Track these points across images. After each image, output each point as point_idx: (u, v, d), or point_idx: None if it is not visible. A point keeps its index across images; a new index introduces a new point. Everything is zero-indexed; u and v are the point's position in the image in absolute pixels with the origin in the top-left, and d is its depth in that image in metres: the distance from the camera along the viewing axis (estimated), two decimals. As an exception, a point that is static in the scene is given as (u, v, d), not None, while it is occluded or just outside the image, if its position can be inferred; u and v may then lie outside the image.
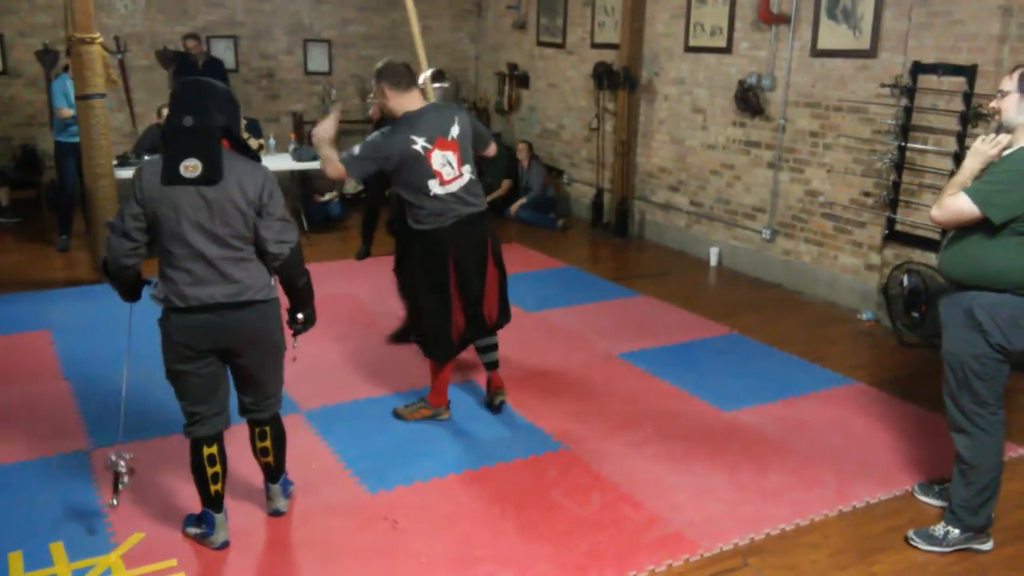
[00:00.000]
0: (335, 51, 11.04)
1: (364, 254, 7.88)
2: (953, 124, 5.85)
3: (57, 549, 3.45)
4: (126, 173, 7.66)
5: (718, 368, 5.50)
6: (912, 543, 3.63)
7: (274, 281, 3.38)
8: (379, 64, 4.27)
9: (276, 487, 3.74)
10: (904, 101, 6.14)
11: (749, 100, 7.46)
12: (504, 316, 4.65)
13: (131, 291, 3.45)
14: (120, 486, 3.39)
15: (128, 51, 9.65)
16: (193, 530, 3.59)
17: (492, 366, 4.79)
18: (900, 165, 6.23)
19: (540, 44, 10.48)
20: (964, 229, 3.40)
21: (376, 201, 7.85)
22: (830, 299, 6.95)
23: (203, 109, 3.14)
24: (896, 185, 6.28)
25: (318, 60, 10.99)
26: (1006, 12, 5.53)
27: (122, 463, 3.39)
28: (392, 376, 5.26)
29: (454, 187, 4.23)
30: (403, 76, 4.19)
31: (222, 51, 10.28)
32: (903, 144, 6.16)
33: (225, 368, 3.42)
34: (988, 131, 3.48)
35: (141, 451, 4.20)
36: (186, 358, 3.29)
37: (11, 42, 9.42)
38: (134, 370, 5.14)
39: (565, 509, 3.86)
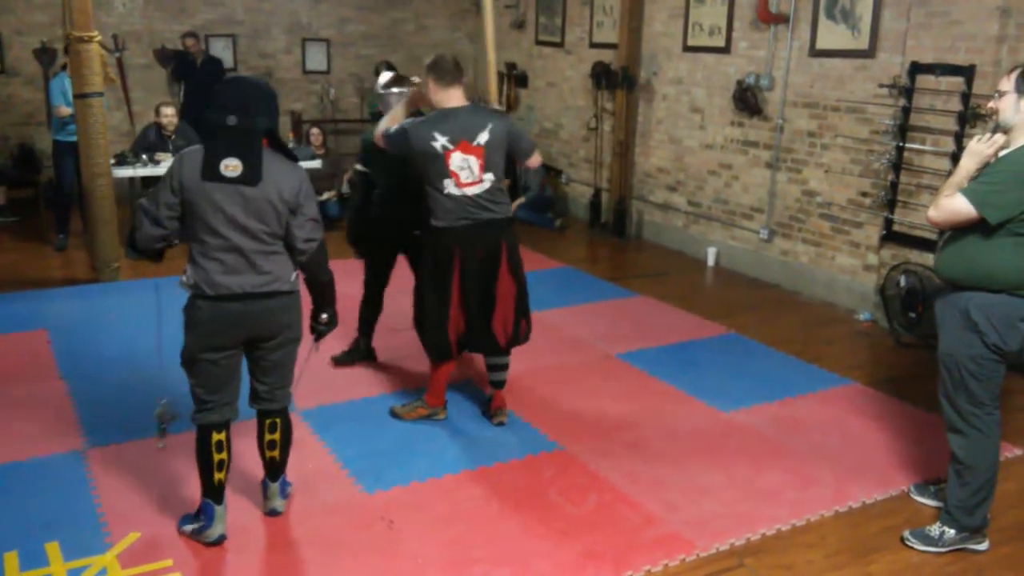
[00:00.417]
0: (334, 50, 11.03)
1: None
2: (951, 124, 5.85)
3: (52, 549, 3.44)
4: (124, 172, 7.67)
5: (715, 368, 5.50)
6: (908, 543, 3.63)
7: (295, 276, 3.46)
8: (432, 57, 4.36)
9: (275, 486, 3.73)
10: (902, 101, 6.14)
11: (747, 100, 7.46)
12: (519, 335, 4.53)
13: (156, 259, 3.52)
14: (164, 429, 3.71)
15: (126, 49, 9.64)
16: (189, 527, 3.58)
17: (498, 385, 4.69)
18: (898, 165, 6.23)
19: (539, 43, 10.48)
20: (961, 229, 3.40)
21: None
22: (827, 299, 6.95)
23: (246, 109, 3.20)
24: (894, 185, 6.28)
25: (316, 59, 10.99)
26: (1004, 13, 5.53)
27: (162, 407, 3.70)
28: (389, 376, 5.26)
29: (471, 191, 4.22)
30: (448, 72, 4.23)
31: (220, 50, 10.27)
32: (901, 144, 6.17)
33: (242, 359, 3.48)
34: (985, 131, 3.47)
35: (138, 450, 4.22)
36: (211, 347, 3.35)
37: (9, 40, 9.41)
38: (128, 371, 5.18)
39: (561, 509, 3.86)
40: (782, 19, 7.11)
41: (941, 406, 3.61)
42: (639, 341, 5.93)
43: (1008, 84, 3.32)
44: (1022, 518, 3.90)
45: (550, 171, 10.20)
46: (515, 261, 4.44)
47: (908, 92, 6.10)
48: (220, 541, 3.51)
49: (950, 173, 3.81)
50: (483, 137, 4.22)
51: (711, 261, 8.03)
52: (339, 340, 5.31)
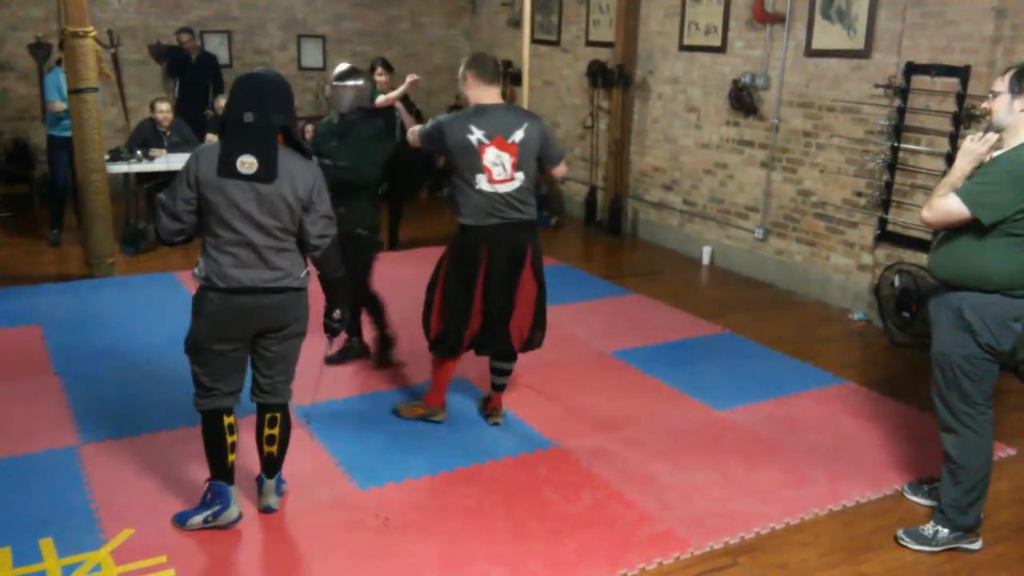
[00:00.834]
0: (329, 47, 11.01)
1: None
2: (946, 125, 5.86)
3: (46, 545, 3.43)
4: (118, 168, 7.65)
5: (710, 367, 5.51)
6: (901, 542, 3.65)
7: (305, 272, 3.49)
8: (470, 55, 4.38)
9: (271, 483, 3.73)
10: (897, 102, 6.15)
11: (743, 99, 7.47)
12: (532, 340, 4.48)
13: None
14: None
15: (121, 45, 9.62)
16: (199, 516, 3.57)
17: (499, 388, 4.68)
18: (892, 165, 6.24)
19: (535, 42, 10.47)
20: (954, 230, 3.41)
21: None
22: (822, 299, 6.96)
23: (263, 106, 3.24)
24: (888, 185, 6.30)
25: (312, 56, 10.97)
26: (999, 13, 5.54)
27: None
28: (384, 373, 5.26)
29: (503, 188, 4.17)
30: (487, 70, 4.24)
31: (216, 46, 10.25)
32: (896, 144, 6.18)
33: (248, 352, 3.51)
34: (978, 131, 3.49)
35: (132, 447, 4.21)
36: (220, 338, 3.39)
37: (3, 35, 9.38)
38: (122, 366, 5.17)
39: (556, 507, 3.86)
40: (778, 19, 7.12)
41: (935, 405, 3.62)
42: (634, 339, 5.94)
43: (1002, 85, 3.34)
44: (1015, 517, 3.91)
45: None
46: (539, 264, 4.39)
47: (903, 92, 6.11)
48: (239, 520, 3.59)
49: (944, 173, 3.82)
50: (518, 135, 4.18)
51: (706, 260, 8.04)
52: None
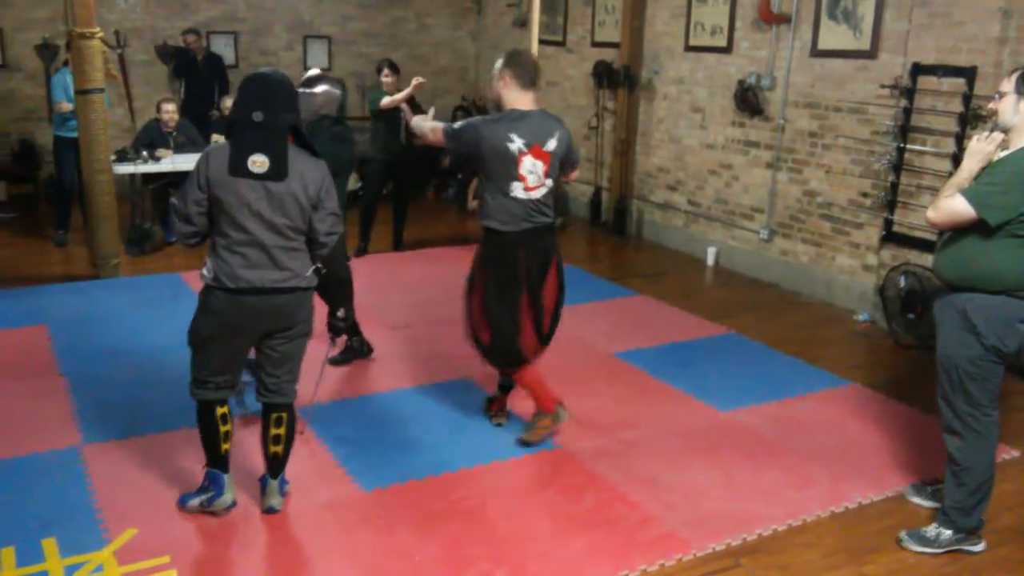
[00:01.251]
0: (335, 48, 11.04)
1: (362, 251, 7.87)
2: (952, 125, 5.85)
3: (49, 545, 3.44)
4: (125, 168, 7.67)
5: (715, 368, 5.50)
6: (904, 544, 3.64)
7: (311, 272, 3.51)
8: (511, 51, 4.22)
9: (274, 483, 3.73)
10: (903, 102, 6.14)
11: (748, 100, 7.45)
12: (548, 340, 4.43)
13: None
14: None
15: (128, 46, 9.65)
16: (196, 500, 3.64)
17: (508, 389, 4.66)
18: (898, 166, 6.23)
19: (541, 42, 10.45)
20: (960, 230, 3.40)
21: (375, 198, 7.85)
22: (827, 300, 6.95)
23: (272, 105, 3.27)
24: (894, 186, 6.28)
25: (318, 57, 10.98)
26: (1006, 14, 5.52)
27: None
28: (388, 373, 5.27)
29: (535, 195, 4.12)
30: (529, 73, 4.11)
31: (222, 47, 10.27)
32: (902, 145, 6.16)
33: (249, 349, 3.55)
34: (984, 131, 3.47)
35: (135, 447, 4.22)
36: (225, 336, 3.44)
37: (10, 36, 9.42)
38: (126, 367, 5.18)
39: (559, 508, 3.86)
40: (784, 19, 7.11)
41: (939, 407, 3.61)
42: (638, 340, 5.93)
43: (1008, 85, 3.33)
44: (1018, 520, 3.90)
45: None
46: (561, 267, 4.38)
47: (909, 93, 6.09)
48: (232, 507, 3.65)
49: (951, 174, 3.81)
50: (552, 143, 4.13)
51: (711, 261, 8.03)
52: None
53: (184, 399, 3.67)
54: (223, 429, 3.58)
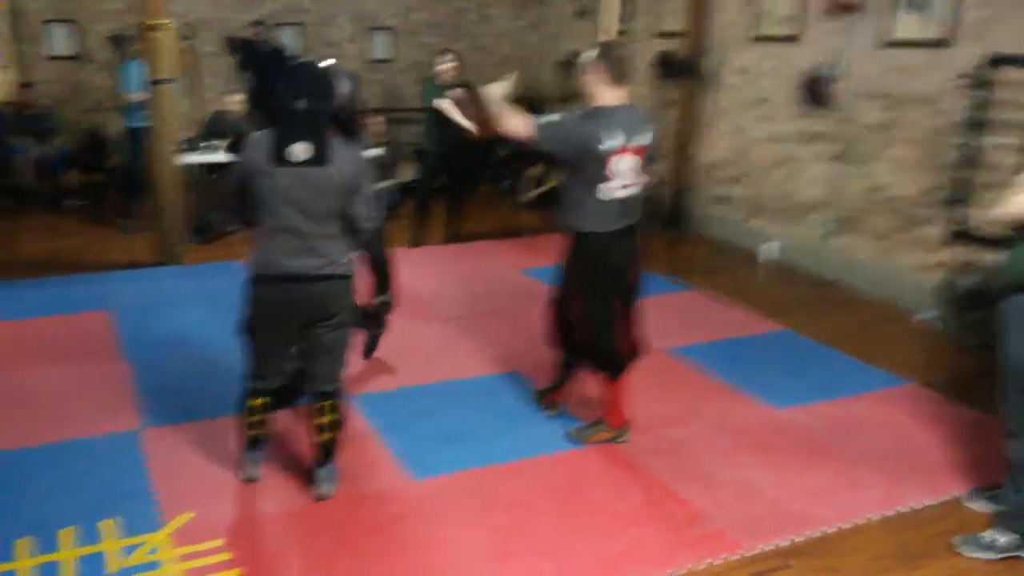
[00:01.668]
0: (398, 39, 11.11)
1: (417, 242, 7.93)
2: (1028, 119, 5.63)
3: (107, 526, 3.56)
4: (191, 158, 7.84)
5: (769, 365, 5.42)
6: (958, 550, 3.54)
7: (349, 260, 3.55)
8: (603, 42, 4.07)
9: (323, 471, 3.80)
10: (979, 94, 5.92)
11: (816, 91, 7.28)
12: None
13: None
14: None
15: (196, 38, 9.84)
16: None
17: (561, 382, 4.60)
18: (970, 161, 6.03)
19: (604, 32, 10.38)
20: (1030, 229, 3.29)
21: (429, 191, 7.90)
22: (889, 297, 6.77)
23: (315, 93, 3.32)
24: (965, 182, 6.08)
25: (381, 48, 11.07)
26: (1086, 2, 5.30)
27: None
28: (441, 364, 5.29)
29: (625, 194, 4.00)
30: (622, 69, 3.97)
31: (288, 38, 10.41)
32: (975, 139, 5.96)
33: (296, 339, 3.61)
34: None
35: (193, 432, 4.33)
36: (268, 325, 3.54)
37: (84, 27, 9.69)
38: (187, 353, 5.31)
39: (607, 503, 3.85)
40: (855, 8, 6.91)
41: (1000, 410, 3.50)
42: (693, 335, 5.87)
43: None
44: (1084, 529, 3.76)
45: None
46: (640, 264, 4.28)
47: (986, 84, 5.88)
48: (250, 481, 3.85)
49: None
50: (642, 139, 3.99)
51: (770, 256, 7.89)
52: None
53: (241, 386, 3.76)
54: (253, 419, 3.74)
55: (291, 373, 3.78)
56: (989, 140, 5.90)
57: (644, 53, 9.58)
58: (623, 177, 3.96)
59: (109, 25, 9.49)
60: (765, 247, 7.89)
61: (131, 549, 3.42)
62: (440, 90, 7.57)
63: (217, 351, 5.25)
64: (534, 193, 9.83)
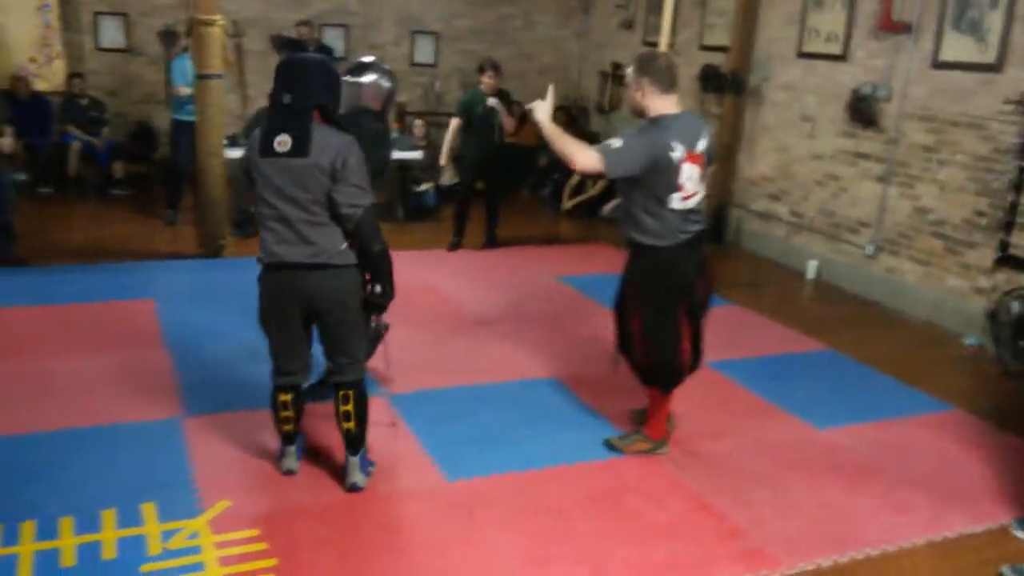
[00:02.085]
0: (441, 43, 11.15)
1: (455, 245, 7.94)
2: (1080, 145, 5.55)
3: (148, 509, 3.58)
4: (235, 153, 7.90)
5: (810, 384, 5.35)
6: (1007, 580, 3.47)
7: (345, 247, 3.55)
8: (643, 54, 3.98)
9: (354, 460, 3.80)
10: (1028, 119, 5.86)
11: (862, 110, 7.22)
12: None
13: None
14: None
15: (244, 35, 9.93)
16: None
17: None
18: (1019, 186, 5.94)
19: (646, 44, 10.37)
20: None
21: (468, 194, 7.91)
22: (933, 321, 6.68)
23: (300, 88, 3.41)
24: (1013, 206, 6.00)
25: (424, 52, 11.13)
26: None
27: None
28: (478, 366, 5.29)
29: (691, 203, 3.93)
30: (669, 76, 3.87)
31: (333, 39, 10.49)
32: (1024, 164, 5.88)
33: (308, 331, 3.69)
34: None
35: (232, 422, 4.34)
36: (273, 315, 3.60)
37: (135, 21, 9.81)
38: (227, 343, 5.34)
39: (644, 513, 3.81)
40: (904, 28, 6.85)
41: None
42: (732, 351, 5.80)
43: None
44: None
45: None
46: (710, 272, 4.23)
47: (1035, 110, 5.81)
48: (288, 474, 3.88)
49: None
50: (702, 144, 3.93)
51: (811, 274, 7.81)
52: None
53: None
54: (283, 414, 3.78)
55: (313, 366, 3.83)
56: (1041, 166, 5.82)
57: (687, 66, 9.54)
58: (691, 185, 3.91)
59: (160, 20, 9.61)
60: (811, 265, 7.81)
61: (170, 534, 3.43)
62: (482, 97, 7.61)
63: (257, 343, 5.19)
64: (573, 202, 9.82)
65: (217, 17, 6.79)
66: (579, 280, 7.19)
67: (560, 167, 9.85)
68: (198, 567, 3.27)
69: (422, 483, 3.95)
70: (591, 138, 8.87)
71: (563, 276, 7.30)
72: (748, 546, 3.62)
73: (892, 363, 5.74)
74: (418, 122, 9.82)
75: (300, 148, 3.37)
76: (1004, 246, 6.06)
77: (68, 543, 3.35)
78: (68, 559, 3.26)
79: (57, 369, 4.89)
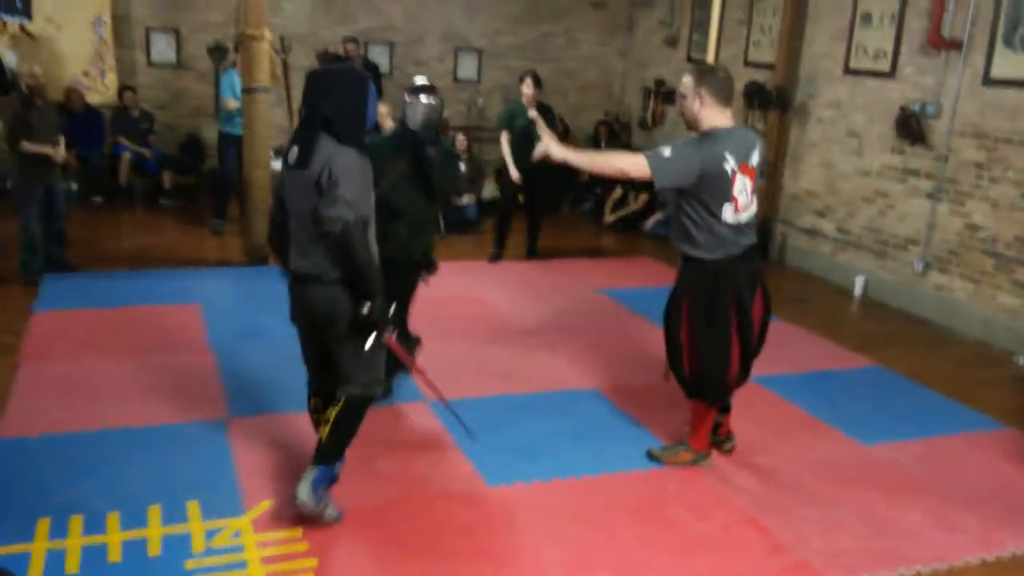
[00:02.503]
0: (484, 60, 11.23)
1: (497, 257, 7.95)
2: None
3: (193, 508, 3.61)
4: (280, 165, 8.01)
5: (858, 400, 5.26)
6: (1064, 601, 3.37)
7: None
8: (702, 66, 4.01)
9: (311, 471, 3.49)
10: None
11: (910, 127, 7.12)
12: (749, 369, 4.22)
13: None
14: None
15: (291, 51, 10.08)
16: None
17: (726, 409, 4.42)
18: (1074, 202, 5.82)
19: (690, 60, 10.36)
20: None
21: (510, 207, 7.92)
22: (984, 339, 6.54)
23: (313, 101, 3.40)
24: (1067, 224, 5.87)
25: (468, 68, 11.21)
26: None
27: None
28: (521, 376, 5.27)
29: (744, 216, 3.90)
30: (728, 90, 3.87)
31: (379, 55, 10.61)
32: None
33: (318, 346, 3.61)
34: None
35: (275, 424, 4.38)
36: (294, 321, 3.62)
37: (185, 37, 10.01)
38: (271, 348, 5.39)
39: (685, 525, 3.76)
40: (954, 44, 6.77)
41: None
42: (777, 366, 5.70)
43: None
44: None
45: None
46: (766, 284, 4.17)
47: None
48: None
49: None
50: (755, 158, 3.91)
51: (858, 291, 7.69)
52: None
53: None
54: (314, 417, 3.78)
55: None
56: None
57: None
58: (743, 198, 3.87)
59: (210, 35, 9.79)
60: (858, 281, 7.70)
61: (215, 532, 3.46)
62: (523, 109, 7.64)
63: (298, 347, 5.32)
64: (615, 216, 9.80)
65: (265, 32, 6.91)
66: (621, 293, 7.16)
67: (601, 181, 9.87)
68: (241, 565, 3.29)
69: (464, 489, 3.94)
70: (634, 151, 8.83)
71: (605, 289, 7.28)
72: (793, 560, 3.55)
73: (942, 381, 5.63)
74: (460, 137, 9.88)
75: (304, 160, 3.35)
76: (1058, 264, 5.93)
77: (115, 539, 3.39)
78: (114, 555, 3.30)
79: (108, 370, 4.98)
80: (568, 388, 5.15)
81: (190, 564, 3.28)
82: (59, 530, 3.42)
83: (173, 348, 5.37)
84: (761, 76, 8.86)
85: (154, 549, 3.35)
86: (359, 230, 3.29)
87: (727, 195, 3.82)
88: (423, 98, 4.63)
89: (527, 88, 7.64)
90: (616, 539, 3.62)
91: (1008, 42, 6.36)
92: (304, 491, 3.46)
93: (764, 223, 8.78)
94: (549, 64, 11.25)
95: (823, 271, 8.24)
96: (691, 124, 3.92)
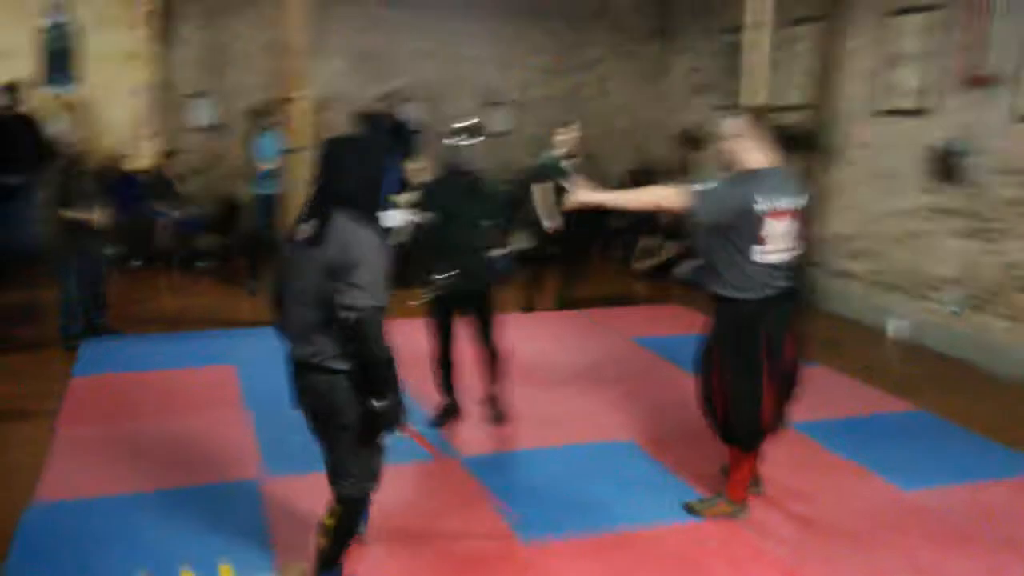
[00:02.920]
0: (516, 112, 11.36)
1: (529, 308, 7.96)
2: None
3: (225, 570, 3.62)
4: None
5: (897, 444, 5.15)
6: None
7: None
8: (752, 108, 4.02)
9: None
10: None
11: (944, 166, 7.06)
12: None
13: None
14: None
15: (328, 110, 10.27)
16: None
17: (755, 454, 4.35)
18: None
19: (719, 108, 10.37)
20: None
21: (542, 259, 7.94)
22: (1028, 380, 6.40)
23: (326, 175, 3.15)
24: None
25: (501, 121, 11.34)
26: None
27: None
28: (553, 429, 5.24)
29: (775, 258, 3.89)
30: (770, 131, 3.94)
31: (412, 112, 10.76)
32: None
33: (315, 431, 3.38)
34: None
35: (310, 485, 4.35)
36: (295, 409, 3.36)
37: (223, 101, 10.28)
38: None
39: (724, 579, 3.70)
40: (988, 82, 6.71)
41: None
42: (814, 412, 5.59)
43: None
44: None
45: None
46: (800, 326, 4.13)
47: None
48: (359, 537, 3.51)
49: None
50: (797, 202, 3.92)
51: (892, 332, 7.57)
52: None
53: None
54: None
55: None
56: None
57: (763, 127, 9.49)
58: (776, 240, 3.87)
59: (247, 99, 10.03)
60: (894, 323, 7.58)
61: (246, 594, 3.46)
62: (556, 161, 7.68)
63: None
64: (644, 265, 9.79)
65: (304, 93, 7.07)
66: (655, 341, 7.12)
67: (631, 228, 9.87)
68: (272, 627, 3.28)
69: (497, 546, 3.91)
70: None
71: (638, 337, 7.24)
72: (836, 613, 3.47)
73: (983, 423, 5.49)
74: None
75: (316, 237, 3.05)
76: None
77: (148, 602, 3.41)
78: (148, 617, 3.31)
79: (144, 433, 5.05)
80: (604, 440, 5.12)
81: (223, 627, 3.28)
82: (93, 595, 3.45)
83: (209, 409, 5.44)
84: (791, 118, 8.85)
85: (187, 611, 3.36)
86: (375, 320, 3.02)
87: (756, 235, 3.84)
88: (466, 138, 4.91)
89: (570, 132, 7.68)
90: (652, 595, 3.57)
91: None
92: None
93: (798, 265, 8.70)
94: (580, 113, 11.35)
95: (856, 313, 8.13)
96: (728, 164, 3.96)
